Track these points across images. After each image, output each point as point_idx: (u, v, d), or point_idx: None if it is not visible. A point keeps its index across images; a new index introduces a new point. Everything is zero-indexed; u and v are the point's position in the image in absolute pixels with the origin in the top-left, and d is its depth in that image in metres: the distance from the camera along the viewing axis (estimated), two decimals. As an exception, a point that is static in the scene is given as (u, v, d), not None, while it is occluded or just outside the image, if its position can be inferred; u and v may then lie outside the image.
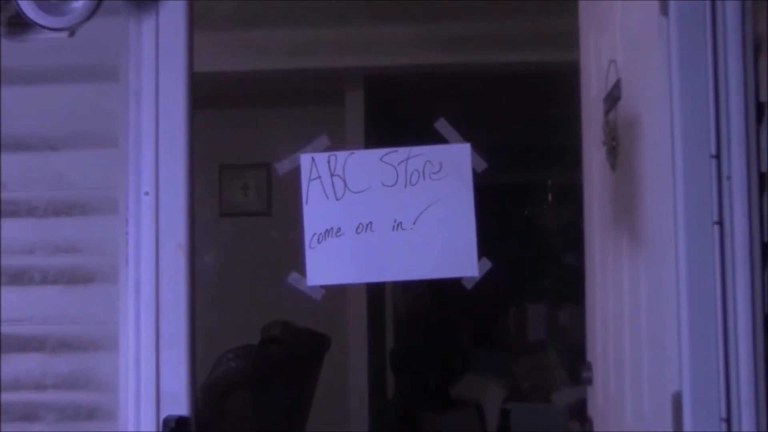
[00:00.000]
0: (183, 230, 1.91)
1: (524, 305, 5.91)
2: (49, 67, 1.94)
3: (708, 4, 1.80)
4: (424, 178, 1.86)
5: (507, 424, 5.15)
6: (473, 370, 5.72)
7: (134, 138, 1.91)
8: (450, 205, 1.84)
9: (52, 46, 1.90)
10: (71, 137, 1.94)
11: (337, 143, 1.94)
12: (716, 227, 1.76)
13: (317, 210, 1.88)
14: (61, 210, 1.94)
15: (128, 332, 1.89)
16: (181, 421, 1.85)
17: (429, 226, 1.84)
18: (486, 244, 1.87)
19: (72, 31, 1.82)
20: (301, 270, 1.91)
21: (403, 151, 1.88)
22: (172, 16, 1.92)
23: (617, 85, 2.17)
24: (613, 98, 2.20)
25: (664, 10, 1.82)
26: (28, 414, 1.92)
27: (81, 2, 1.75)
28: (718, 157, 1.77)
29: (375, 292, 5.31)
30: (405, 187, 1.86)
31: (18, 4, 1.73)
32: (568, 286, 4.76)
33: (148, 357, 1.88)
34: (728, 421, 1.73)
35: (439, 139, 1.90)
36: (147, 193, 1.90)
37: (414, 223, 1.85)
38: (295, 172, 1.92)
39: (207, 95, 2.50)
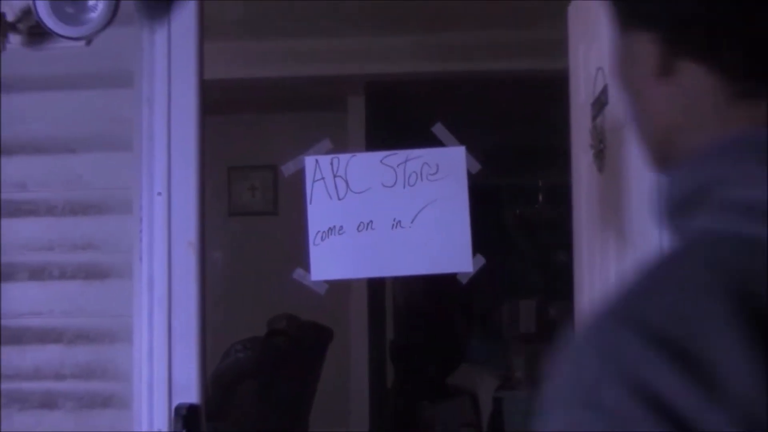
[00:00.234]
0: (194, 229, 1.91)
1: (516, 300, 5.90)
2: (67, 74, 1.94)
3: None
4: (422, 179, 1.86)
5: (499, 412, 5.15)
6: (468, 360, 5.72)
7: (147, 141, 1.91)
8: (446, 205, 1.84)
9: (69, 54, 1.89)
10: (88, 140, 1.94)
11: (340, 146, 1.94)
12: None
13: (321, 209, 1.88)
14: (78, 209, 1.94)
15: (142, 325, 1.88)
16: (192, 408, 1.85)
17: (426, 224, 1.84)
18: (480, 242, 1.87)
19: (89, 40, 1.82)
20: (306, 266, 1.90)
21: (401, 154, 1.88)
22: (183, 26, 1.92)
23: (604, 91, 2.17)
24: (600, 103, 2.20)
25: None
26: (48, 402, 1.92)
27: (97, 13, 1.74)
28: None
29: (375, 286, 5.30)
30: (404, 187, 1.86)
31: (38, 15, 1.73)
32: (558, 282, 4.76)
33: (161, 348, 1.88)
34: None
35: (437, 143, 1.90)
36: (160, 194, 1.90)
37: (412, 222, 1.85)
38: (300, 173, 1.92)
39: (216, 101, 2.49)
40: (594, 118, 2.28)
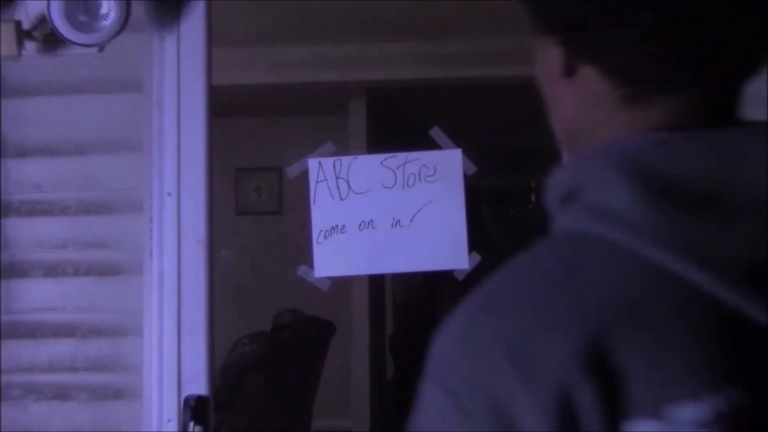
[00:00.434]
0: (202, 228, 1.90)
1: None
2: (80, 80, 1.93)
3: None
4: (420, 181, 1.85)
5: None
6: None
7: (158, 144, 1.90)
8: (443, 205, 1.83)
9: (83, 60, 1.89)
10: (100, 143, 1.93)
11: (342, 149, 1.93)
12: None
13: (324, 209, 1.87)
14: (91, 209, 1.93)
15: (152, 320, 1.88)
16: (200, 399, 1.84)
17: (424, 223, 1.83)
18: (475, 240, 1.86)
19: (101, 47, 1.81)
20: (310, 263, 1.90)
21: (401, 156, 1.87)
22: (192, 33, 1.91)
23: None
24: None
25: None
26: (62, 393, 1.91)
27: (109, 21, 1.74)
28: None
29: (376, 283, 5.30)
30: (403, 188, 1.85)
31: (52, 23, 1.73)
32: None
33: (171, 342, 1.87)
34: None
35: (434, 145, 1.89)
36: (170, 194, 1.89)
37: (411, 221, 1.84)
38: (304, 175, 1.91)
39: (224, 106, 2.48)
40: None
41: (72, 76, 1.93)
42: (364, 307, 5.20)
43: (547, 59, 0.74)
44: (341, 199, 1.87)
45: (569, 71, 0.72)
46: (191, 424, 1.81)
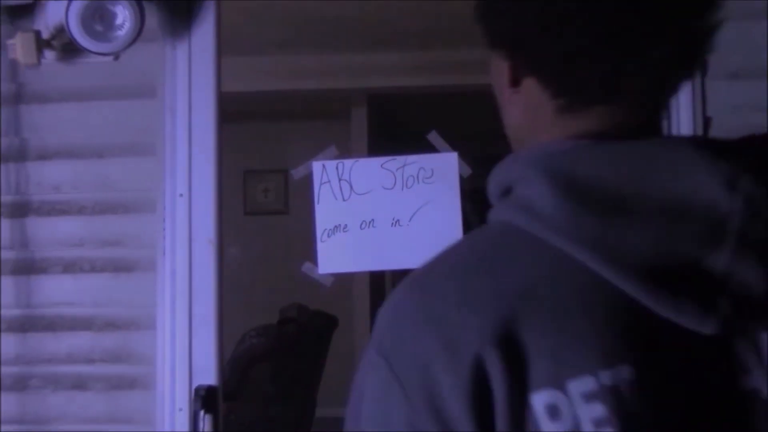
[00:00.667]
0: (212, 227, 1.89)
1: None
2: (96, 87, 1.93)
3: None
4: (418, 182, 1.85)
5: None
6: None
7: (170, 147, 1.90)
8: (440, 205, 1.83)
9: (99, 68, 1.88)
10: (116, 147, 1.93)
11: (344, 152, 1.93)
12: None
13: (327, 209, 1.87)
14: (107, 209, 1.93)
15: (165, 314, 1.87)
16: (210, 389, 1.84)
17: (422, 223, 1.83)
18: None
19: (116, 56, 1.81)
20: (314, 260, 1.89)
21: (400, 159, 1.87)
22: (203, 42, 1.91)
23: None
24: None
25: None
26: (80, 383, 1.91)
27: (124, 31, 1.73)
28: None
29: (376, 279, 5.30)
30: (402, 190, 1.85)
31: (70, 33, 1.72)
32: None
33: (183, 335, 1.86)
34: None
35: (432, 149, 1.89)
36: (181, 195, 1.89)
37: (410, 221, 1.84)
38: (309, 177, 1.91)
39: (233, 111, 2.48)
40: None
41: (89, 84, 1.92)
42: (365, 302, 5.20)
43: (497, 71, 0.78)
44: (344, 200, 1.87)
45: (515, 82, 0.76)
46: (201, 412, 1.81)
